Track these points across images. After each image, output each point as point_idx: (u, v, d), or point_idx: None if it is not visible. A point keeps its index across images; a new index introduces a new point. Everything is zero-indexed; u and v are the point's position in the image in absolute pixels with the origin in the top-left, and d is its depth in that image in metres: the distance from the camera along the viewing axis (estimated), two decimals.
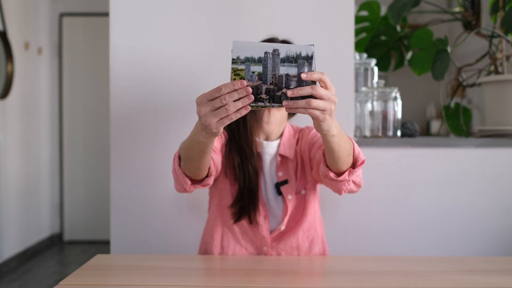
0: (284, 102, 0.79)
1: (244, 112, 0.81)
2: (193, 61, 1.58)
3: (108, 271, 1.07)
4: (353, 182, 1.05)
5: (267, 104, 0.80)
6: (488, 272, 1.06)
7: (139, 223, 1.60)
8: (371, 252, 1.58)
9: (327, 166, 1.04)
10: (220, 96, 0.80)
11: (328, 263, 1.20)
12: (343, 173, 1.02)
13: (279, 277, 1.03)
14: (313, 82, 0.80)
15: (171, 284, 0.96)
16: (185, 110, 1.59)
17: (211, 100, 0.81)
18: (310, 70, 0.80)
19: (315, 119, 0.83)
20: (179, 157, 1.06)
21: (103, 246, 3.90)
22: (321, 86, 0.81)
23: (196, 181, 1.09)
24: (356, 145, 1.02)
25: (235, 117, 0.81)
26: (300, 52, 0.79)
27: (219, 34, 1.58)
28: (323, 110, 0.81)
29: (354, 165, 1.02)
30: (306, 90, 0.79)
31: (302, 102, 0.79)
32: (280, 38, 1.27)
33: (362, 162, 1.02)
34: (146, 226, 1.60)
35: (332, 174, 1.03)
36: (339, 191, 1.07)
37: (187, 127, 1.56)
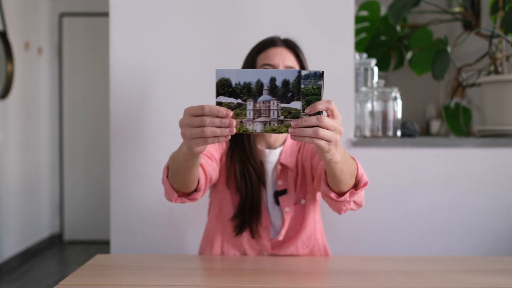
0: (290, 129, 0.75)
1: (222, 140, 0.76)
2: (193, 61, 1.58)
3: (108, 271, 1.07)
4: (354, 202, 1.04)
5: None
6: (488, 272, 1.06)
7: (139, 223, 1.59)
8: (371, 252, 1.58)
9: (328, 186, 1.02)
10: (202, 116, 0.76)
11: (328, 263, 1.20)
12: (344, 193, 1.00)
13: (279, 277, 1.02)
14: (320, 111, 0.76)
15: (171, 284, 0.95)
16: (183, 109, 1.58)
17: (194, 116, 0.78)
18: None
19: (319, 149, 0.80)
20: (168, 168, 1.03)
21: (103, 246, 3.90)
22: (328, 115, 0.77)
23: (184, 194, 1.06)
24: (360, 166, 1.00)
25: (211, 142, 0.77)
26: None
27: (218, 34, 1.58)
28: (328, 141, 0.77)
29: (356, 186, 1.01)
30: (311, 121, 0.75)
31: (309, 131, 0.75)
32: (283, 37, 1.26)
33: (365, 184, 1.00)
34: (146, 226, 1.60)
35: (333, 194, 1.01)
36: (338, 211, 1.05)
37: None
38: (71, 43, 4.10)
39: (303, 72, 0.74)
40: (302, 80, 0.75)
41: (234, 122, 0.75)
